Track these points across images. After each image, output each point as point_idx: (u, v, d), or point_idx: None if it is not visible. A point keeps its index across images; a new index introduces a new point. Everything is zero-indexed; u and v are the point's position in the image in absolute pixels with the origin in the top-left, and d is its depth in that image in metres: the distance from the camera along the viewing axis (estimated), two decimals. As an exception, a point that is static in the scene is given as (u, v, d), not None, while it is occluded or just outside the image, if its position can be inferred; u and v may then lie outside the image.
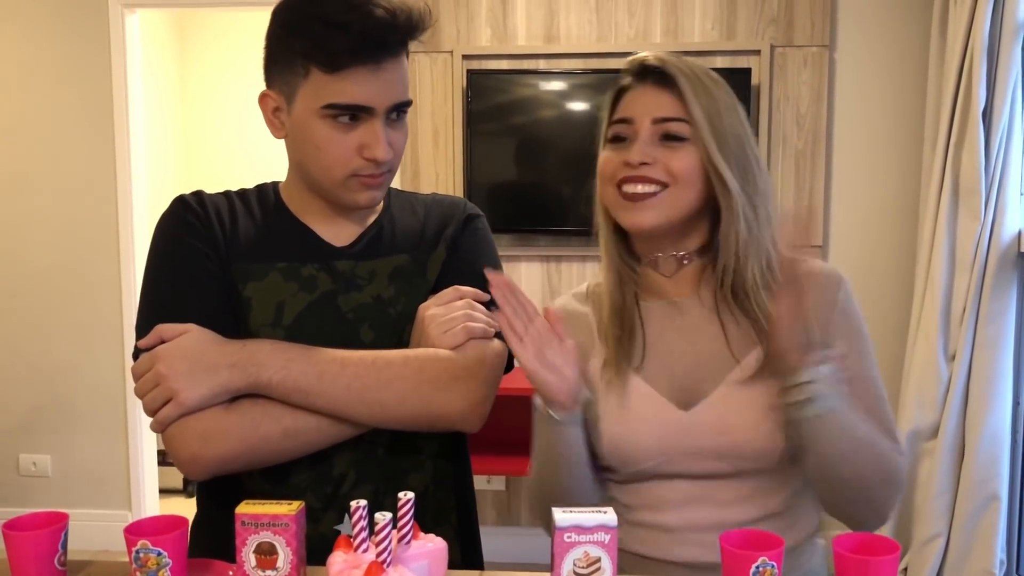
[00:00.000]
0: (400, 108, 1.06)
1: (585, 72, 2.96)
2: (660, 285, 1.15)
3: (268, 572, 0.89)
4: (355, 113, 1.02)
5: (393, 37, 1.02)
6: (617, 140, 1.11)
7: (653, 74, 1.09)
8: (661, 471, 1.10)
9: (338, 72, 1.00)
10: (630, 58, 1.12)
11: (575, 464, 1.09)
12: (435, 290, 1.12)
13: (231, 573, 0.93)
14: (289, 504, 0.90)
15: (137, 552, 0.85)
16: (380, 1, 1.01)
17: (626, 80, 1.12)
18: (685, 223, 1.10)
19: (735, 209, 1.06)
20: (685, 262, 1.13)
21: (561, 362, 1.02)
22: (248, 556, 0.88)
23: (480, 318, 1.08)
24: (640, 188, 1.07)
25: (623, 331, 1.12)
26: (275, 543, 0.88)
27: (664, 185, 1.07)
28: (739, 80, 2.88)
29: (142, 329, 1.05)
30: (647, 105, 1.08)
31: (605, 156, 1.12)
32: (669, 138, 1.07)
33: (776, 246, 1.08)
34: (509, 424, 2.20)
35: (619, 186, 1.09)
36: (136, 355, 1.05)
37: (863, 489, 1.04)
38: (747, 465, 1.07)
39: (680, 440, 1.07)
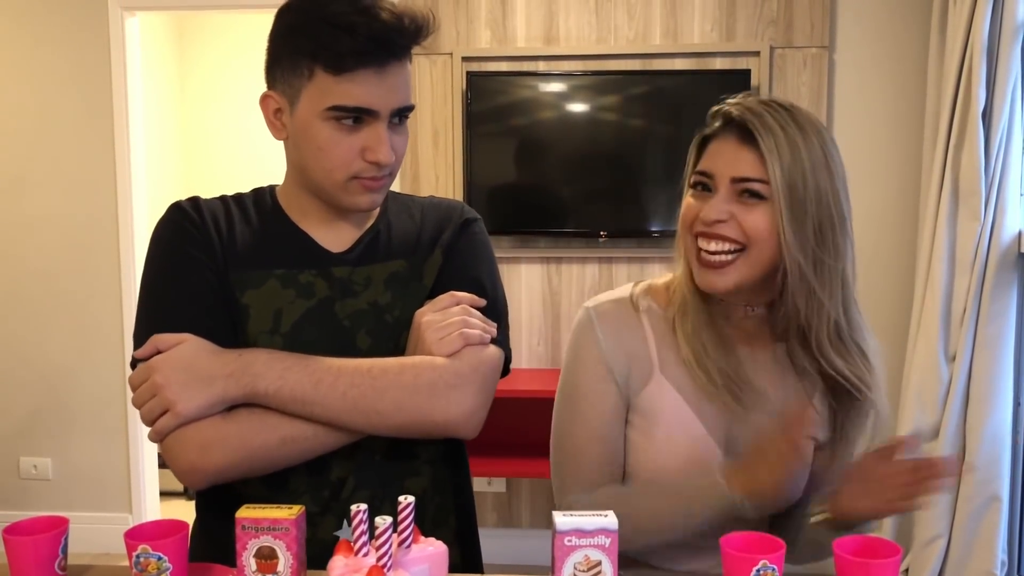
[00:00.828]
0: (403, 112, 1.06)
1: (585, 74, 2.96)
2: (731, 332, 1.15)
3: (268, 576, 0.88)
4: (359, 116, 1.02)
5: (399, 41, 1.02)
6: (699, 187, 1.10)
7: (737, 126, 1.06)
8: None
9: (343, 74, 1.00)
10: (716, 107, 1.10)
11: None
12: (432, 295, 1.12)
13: (232, 577, 0.93)
14: (289, 508, 0.90)
15: (137, 557, 0.85)
16: (386, 5, 1.02)
17: (711, 128, 1.10)
18: (765, 282, 1.09)
19: (790, 276, 1.05)
20: (750, 311, 1.13)
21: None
22: (248, 560, 0.88)
23: (476, 324, 1.08)
24: (714, 247, 1.06)
25: (733, 385, 1.11)
26: (275, 547, 0.88)
27: (739, 246, 1.06)
28: (738, 81, 2.88)
29: (139, 339, 1.05)
30: (728, 162, 1.07)
31: (687, 203, 1.11)
32: (748, 194, 1.06)
33: (849, 312, 1.09)
34: (509, 426, 2.19)
35: (696, 237, 1.08)
36: (134, 365, 1.05)
37: None
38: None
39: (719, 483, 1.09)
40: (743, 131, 1.06)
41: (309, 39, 1.01)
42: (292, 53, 1.04)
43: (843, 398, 1.13)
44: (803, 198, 1.03)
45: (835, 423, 1.14)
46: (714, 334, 1.12)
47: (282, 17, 1.05)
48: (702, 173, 1.09)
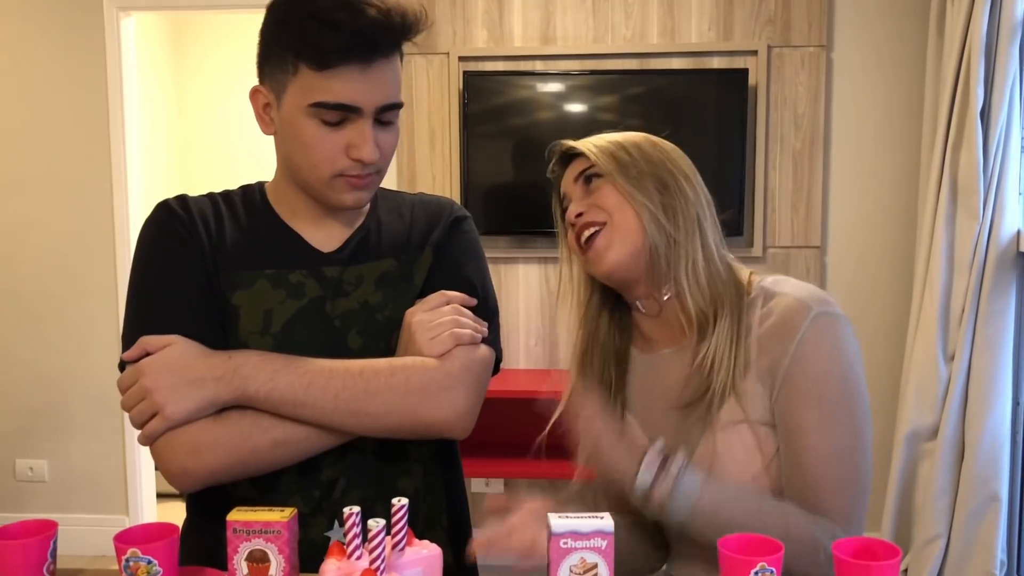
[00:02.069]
0: (390, 109, 1.04)
1: (582, 73, 2.95)
2: (648, 329, 1.17)
3: (260, 580, 0.87)
4: (343, 112, 1.01)
5: (385, 38, 1.01)
6: (567, 223, 1.17)
7: (569, 156, 1.17)
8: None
9: (326, 70, 0.99)
10: (549, 166, 1.20)
11: None
12: (422, 294, 1.11)
13: (223, 581, 0.92)
14: (281, 511, 0.89)
15: (127, 560, 0.84)
16: (374, 0, 1.00)
17: (556, 171, 1.20)
18: (649, 262, 1.10)
19: (646, 217, 1.09)
20: (666, 297, 1.13)
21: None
22: (240, 564, 0.87)
23: (467, 324, 1.07)
24: (586, 233, 1.11)
25: (614, 387, 1.17)
26: (267, 551, 0.87)
27: (602, 223, 1.11)
28: (736, 81, 2.88)
29: (127, 341, 1.04)
30: (569, 176, 1.17)
31: (566, 240, 1.18)
32: (589, 182, 1.13)
33: (708, 251, 1.10)
34: (507, 427, 2.18)
35: (577, 242, 1.13)
36: (122, 367, 1.04)
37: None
38: None
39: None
40: (573, 153, 1.16)
41: (294, 34, 1.01)
42: (278, 48, 1.03)
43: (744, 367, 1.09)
44: (630, 162, 1.10)
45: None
46: (601, 331, 1.18)
47: (271, 12, 1.05)
48: (561, 200, 1.19)
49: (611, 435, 1.05)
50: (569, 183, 1.16)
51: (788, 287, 1.07)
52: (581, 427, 1.06)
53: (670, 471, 1.01)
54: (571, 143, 1.17)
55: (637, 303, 1.15)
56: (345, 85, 1.00)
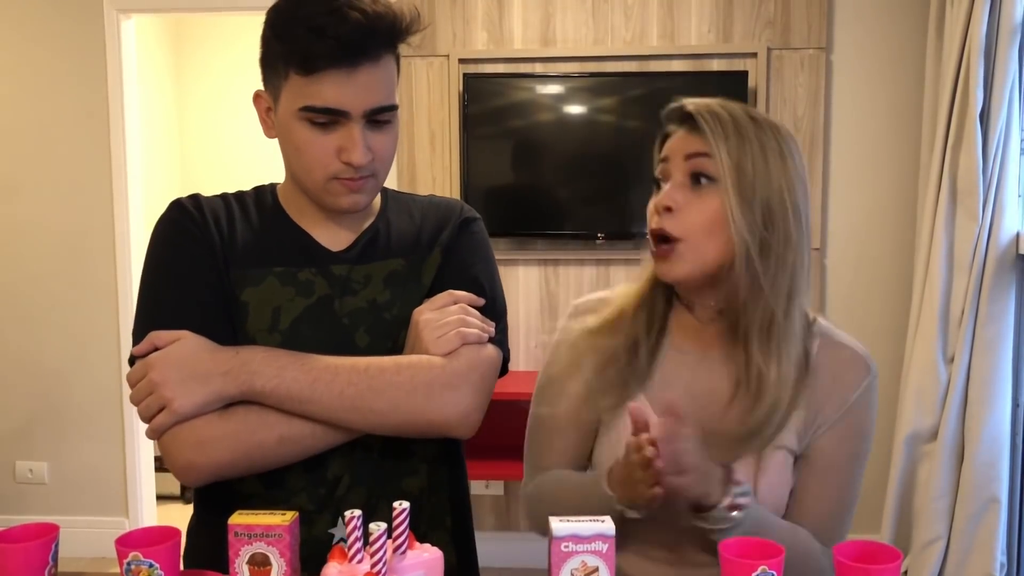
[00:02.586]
0: (381, 112, 1.04)
1: (582, 75, 2.95)
2: (694, 330, 1.13)
3: (262, 584, 0.88)
4: (331, 116, 1.02)
5: (370, 42, 1.01)
6: (657, 185, 1.11)
7: (690, 119, 1.08)
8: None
9: (312, 75, 1.00)
10: (669, 106, 1.12)
11: None
12: (430, 294, 1.12)
13: (224, 584, 0.92)
14: (283, 514, 0.89)
15: (128, 564, 0.84)
16: (360, 5, 1.01)
17: (669, 127, 1.12)
18: (723, 273, 1.06)
19: (740, 251, 1.03)
20: (720, 315, 1.11)
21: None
22: (241, 567, 0.87)
23: (474, 323, 1.08)
24: (662, 247, 1.07)
25: (639, 377, 1.12)
26: (268, 554, 0.87)
27: (675, 240, 1.05)
28: (736, 83, 2.88)
29: (138, 336, 1.05)
30: (680, 144, 1.08)
31: (651, 202, 1.11)
32: (700, 180, 1.05)
33: (790, 312, 1.05)
34: (507, 429, 2.19)
35: (653, 235, 1.09)
36: (132, 362, 1.05)
37: None
38: None
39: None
40: (693, 121, 1.07)
41: (284, 40, 1.02)
42: (272, 54, 1.05)
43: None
44: (752, 179, 1.03)
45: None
46: (641, 325, 1.13)
47: (267, 18, 1.06)
48: (662, 160, 1.10)
49: (704, 461, 0.99)
50: (678, 156, 1.07)
51: (847, 339, 1.12)
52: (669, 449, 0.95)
53: (744, 502, 1.00)
54: (696, 111, 1.06)
55: (691, 303, 1.13)
56: (331, 89, 1.01)
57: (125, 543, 0.86)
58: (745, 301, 1.05)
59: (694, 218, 1.05)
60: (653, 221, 1.08)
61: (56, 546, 0.90)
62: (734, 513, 0.99)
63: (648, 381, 1.12)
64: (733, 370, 1.09)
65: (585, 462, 1.19)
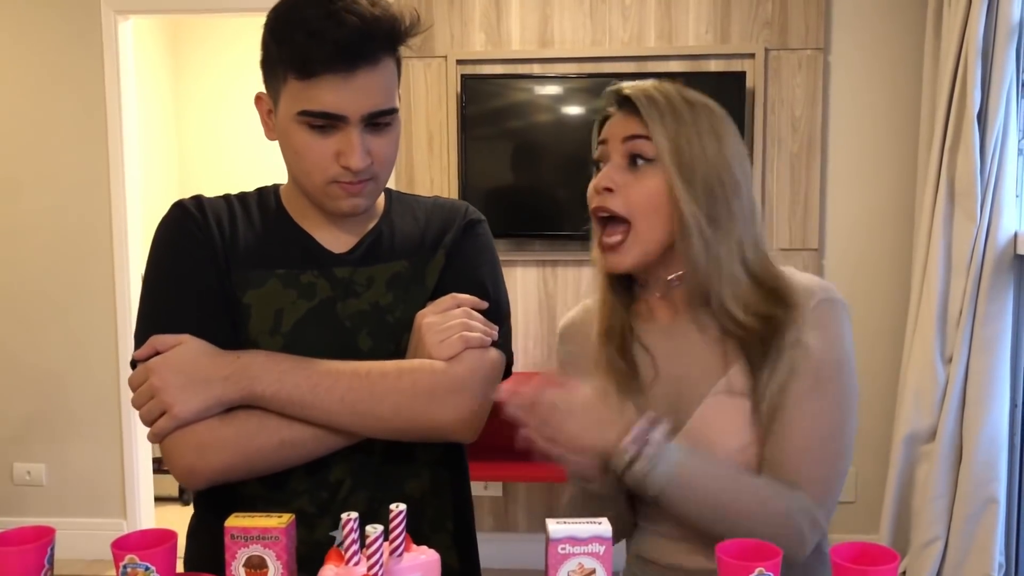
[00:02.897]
0: (379, 115, 1.04)
1: (580, 76, 2.96)
2: (652, 307, 1.15)
3: (258, 586, 0.87)
4: (329, 120, 1.02)
5: (367, 46, 1.01)
6: (597, 167, 1.12)
7: (627, 102, 1.10)
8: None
9: (309, 79, 1.00)
10: (607, 89, 1.14)
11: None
12: (434, 297, 1.11)
13: (221, 587, 0.92)
14: (279, 517, 0.89)
15: (124, 567, 0.84)
16: (357, 8, 1.00)
17: (607, 110, 1.13)
18: (668, 247, 1.08)
19: (688, 231, 1.05)
20: (674, 284, 1.12)
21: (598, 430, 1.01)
22: (238, 570, 0.87)
23: (477, 327, 1.07)
24: (608, 235, 1.08)
25: (624, 365, 1.12)
26: (265, 556, 0.87)
27: (626, 223, 1.07)
28: (734, 83, 2.88)
29: (139, 339, 1.05)
30: (618, 127, 1.10)
31: (590, 185, 1.13)
32: (637, 160, 1.07)
33: (756, 271, 1.07)
34: (506, 431, 2.18)
35: (594, 214, 1.10)
36: (134, 365, 1.05)
37: (751, 535, 0.94)
38: None
39: None
40: (631, 104, 1.09)
41: (281, 44, 1.02)
42: (271, 58, 1.05)
43: (756, 347, 1.06)
44: (690, 158, 1.05)
45: (759, 377, 1.07)
46: (611, 328, 1.14)
47: (266, 21, 1.06)
48: (600, 143, 1.12)
49: (598, 405, 1.02)
50: (616, 139, 1.09)
51: (797, 277, 1.10)
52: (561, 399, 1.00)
53: (653, 439, 0.99)
54: (633, 95, 1.08)
55: (646, 281, 1.13)
56: (329, 94, 1.00)
57: (121, 546, 0.86)
58: (706, 274, 1.06)
59: (635, 197, 1.06)
60: (594, 201, 1.09)
61: (52, 549, 0.90)
62: (632, 452, 0.98)
63: (640, 378, 1.13)
64: (717, 331, 1.09)
65: None
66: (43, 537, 0.89)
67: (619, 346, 1.13)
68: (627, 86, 1.10)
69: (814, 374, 1.04)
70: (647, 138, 1.06)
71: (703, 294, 1.09)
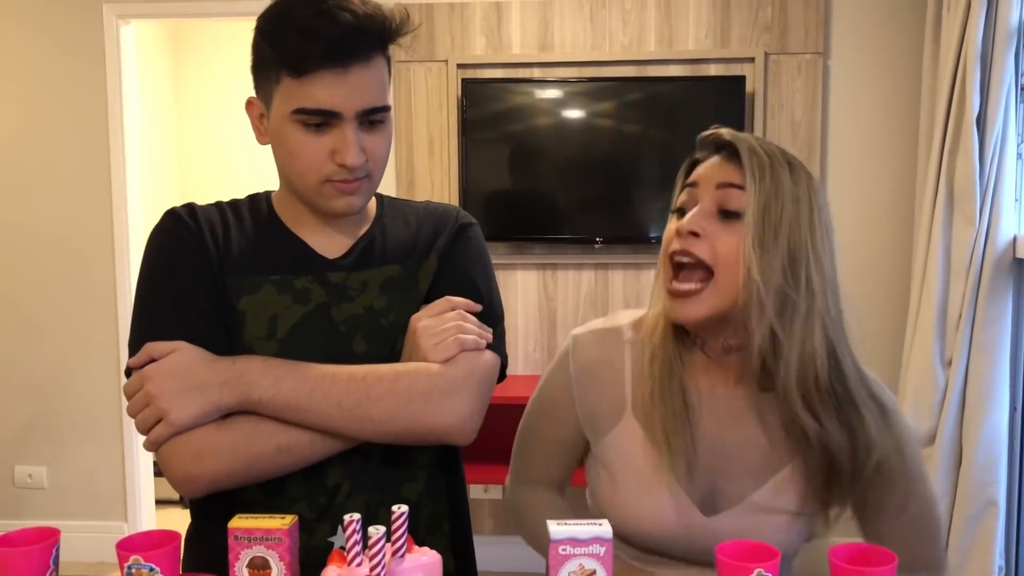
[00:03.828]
0: (373, 112, 1.04)
1: (580, 80, 2.97)
2: (704, 366, 1.10)
3: (261, 587, 0.88)
4: (324, 117, 1.02)
5: (361, 43, 1.01)
6: (681, 212, 1.06)
7: (726, 148, 1.05)
8: (667, 553, 1.09)
9: (304, 77, 1.00)
10: (704, 133, 1.09)
11: None
12: (428, 300, 1.12)
13: (224, 588, 0.92)
14: (282, 518, 0.90)
15: (129, 568, 0.85)
16: (350, 5, 1.01)
17: (701, 153, 1.09)
18: (732, 313, 1.03)
19: (754, 299, 0.99)
20: (732, 351, 1.07)
21: None
22: (241, 571, 0.88)
23: (472, 330, 1.08)
24: (684, 282, 1.03)
25: (675, 425, 1.07)
26: (268, 558, 0.88)
27: (708, 271, 1.02)
28: (733, 88, 2.89)
29: (134, 347, 1.05)
30: (713, 171, 1.05)
31: (668, 228, 1.08)
32: (727, 215, 1.02)
33: (839, 361, 1.02)
34: (505, 433, 2.19)
35: (672, 266, 1.05)
36: (128, 373, 1.05)
37: None
38: None
39: (696, 542, 1.06)
40: (731, 151, 1.05)
41: (275, 44, 1.02)
42: (263, 59, 1.05)
43: (818, 459, 1.03)
44: (776, 222, 0.99)
45: (822, 494, 1.04)
46: (669, 370, 1.08)
47: (257, 24, 1.06)
48: (689, 185, 1.07)
49: None
50: (710, 184, 1.04)
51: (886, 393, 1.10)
52: None
53: None
54: (736, 142, 1.02)
55: (703, 340, 1.09)
56: (323, 91, 1.00)
57: (126, 547, 0.86)
58: (764, 354, 1.01)
59: (722, 247, 1.01)
60: (676, 244, 1.04)
61: (57, 550, 0.90)
62: None
63: (690, 423, 1.08)
64: (762, 419, 1.06)
65: (566, 478, 1.23)
66: (48, 538, 0.89)
67: (675, 409, 1.07)
68: (728, 132, 1.05)
69: (906, 477, 1.06)
70: (741, 188, 1.01)
71: (763, 373, 1.03)
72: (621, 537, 1.11)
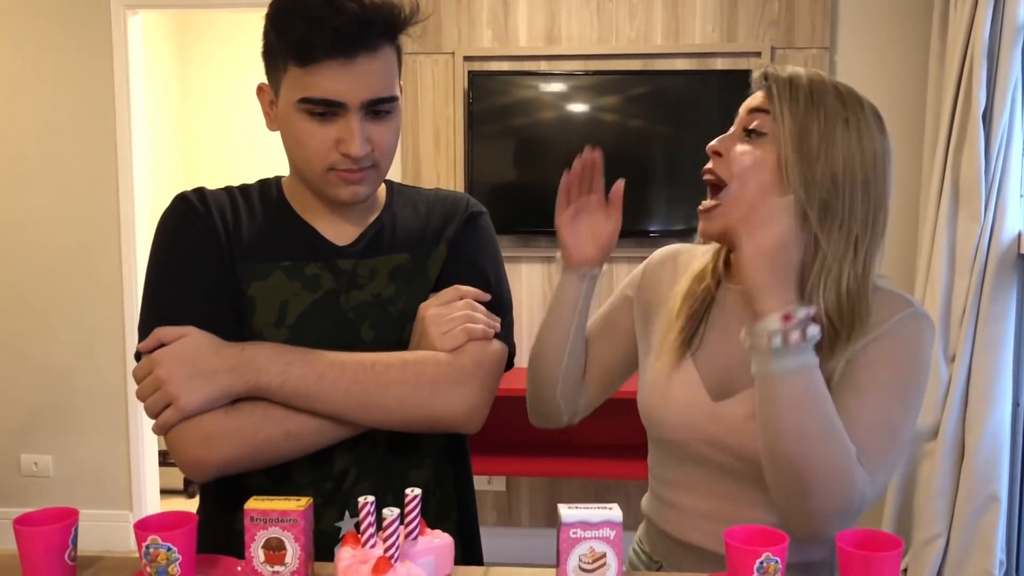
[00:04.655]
0: (380, 103, 1.05)
1: (586, 74, 2.97)
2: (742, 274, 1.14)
3: (277, 567, 0.89)
4: (329, 107, 1.02)
5: (367, 32, 1.01)
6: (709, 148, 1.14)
7: (768, 81, 1.11)
8: (685, 450, 1.12)
9: (309, 66, 1.01)
10: (755, 72, 1.15)
11: (569, 325, 1.19)
12: (436, 289, 1.12)
13: (240, 568, 0.94)
14: (298, 500, 0.91)
15: (147, 547, 0.86)
16: None
17: (750, 91, 1.15)
18: None
19: (799, 215, 1.01)
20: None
21: (590, 235, 1.19)
22: (257, 551, 0.89)
23: (480, 319, 1.08)
24: (704, 204, 1.10)
25: (692, 316, 1.15)
26: (284, 539, 0.89)
27: (721, 186, 1.08)
28: (739, 82, 2.88)
29: (143, 331, 1.05)
30: (750, 100, 1.12)
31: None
32: (749, 134, 1.08)
33: (860, 282, 1.04)
34: (510, 425, 2.20)
35: (704, 179, 1.12)
36: (138, 357, 1.05)
37: (803, 485, 0.97)
38: (759, 470, 1.04)
39: (704, 428, 1.09)
40: (767, 82, 1.10)
41: (281, 33, 1.03)
42: (271, 48, 1.05)
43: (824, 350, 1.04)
44: (815, 143, 1.03)
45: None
46: (704, 273, 1.17)
47: (267, 12, 1.07)
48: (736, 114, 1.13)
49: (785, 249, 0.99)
50: (744, 111, 1.11)
51: (893, 288, 1.10)
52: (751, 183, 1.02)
53: (808, 331, 0.96)
54: (770, 71, 1.09)
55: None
56: (328, 80, 1.01)
57: (144, 527, 0.87)
58: (805, 263, 1.04)
59: (750, 175, 1.05)
60: (706, 166, 1.12)
61: (76, 530, 0.92)
62: (794, 336, 0.95)
63: (703, 333, 1.15)
64: None
65: (598, 372, 1.26)
66: (67, 518, 0.91)
67: (697, 304, 1.15)
68: (770, 67, 1.11)
69: (884, 370, 1.03)
70: (767, 112, 1.07)
71: (804, 292, 1.05)
72: (648, 429, 1.18)
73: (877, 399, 1.03)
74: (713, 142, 1.11)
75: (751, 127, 1.08)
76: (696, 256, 1.22)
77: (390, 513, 0.83)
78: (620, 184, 1.19)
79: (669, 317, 1.18)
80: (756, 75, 1.13)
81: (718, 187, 1.09)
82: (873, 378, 1.03)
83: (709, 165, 1.11)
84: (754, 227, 0.99)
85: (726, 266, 1.18)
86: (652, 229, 2.93)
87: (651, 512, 1.21)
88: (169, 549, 0.86)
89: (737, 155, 1.06)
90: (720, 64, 2.96)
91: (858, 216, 1.05)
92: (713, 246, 1.20)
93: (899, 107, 2.95)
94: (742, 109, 1.12)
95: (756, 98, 1.10)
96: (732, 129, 1.11)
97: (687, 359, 1.14)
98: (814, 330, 0.97)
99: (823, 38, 2.92)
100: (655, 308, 1.22)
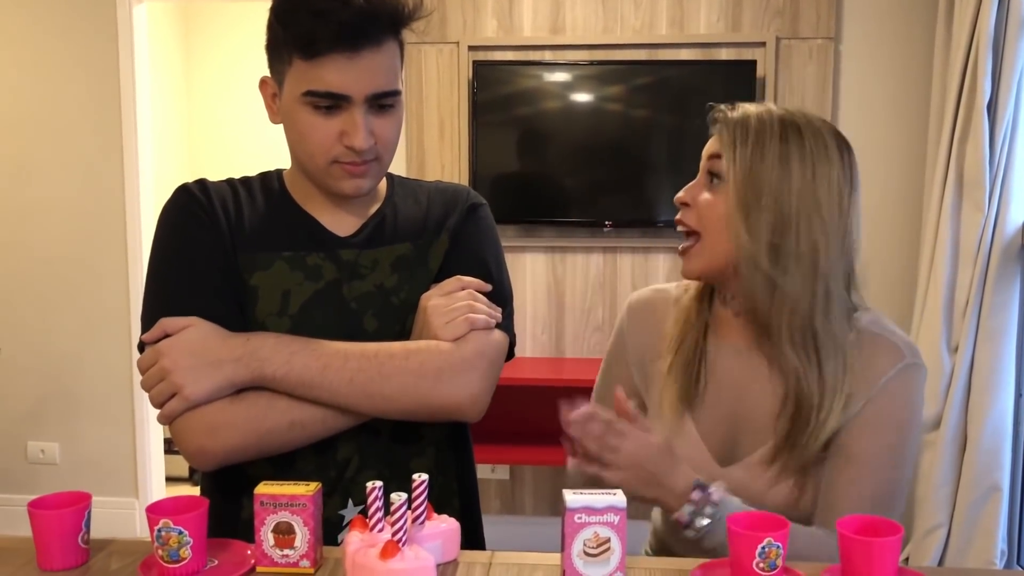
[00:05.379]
0: (383, 96, 1.05)
1: (591, 63, 2.97)
2: (729, 323, 1.16)
3: (286, 551, 0.91)
4: (333, 100, 1.03)
5: (372, 26, 1.02)
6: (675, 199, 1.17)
7: (718, 124, 1.14)
8: None
9: (314, 59, 1.01)
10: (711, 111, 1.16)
11: None
12: (438, 279, 1.13)
13: (250, 552, 0.95)
14: (307, 485, 0.92)
15: (159, 530, 0.87)
16: None
17: (711, 129, 1.16)
18: (735, 271, 1.10)
19: (745, 260, 1.06)
20: (732, 304, 1.15)
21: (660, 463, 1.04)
22: (266, 535, 0.90)
23: (482, 309, 1.09)
24: (681, 245, 1.14)
25: (688, 373, 1.16)
26: (293, 523, 0.90)
27: (698, 235, 1.11)
28: (744, 72, 2.89)
29: (147, 322, 1.06)
30: (709, 144, 1.14)
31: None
32: (712, 181, 1.11)
33: (829, 310, 1.06)
34: (513, 414, 2.22)
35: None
36: (142, 348, 1.06)
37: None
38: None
39: None
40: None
41: (287, 26, 1.03)
42: (276, 40, 1.06)
43: (810, 400, 1.07)
44: (759, 185, 1.06)
45: (786, 432, 1.08)
46: (688, 319, 1.18)
47: (272, 4, 1.07)
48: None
49: (665, 453, 1.03)
50: (704, 156, 1.13)
51: (885, 329, 1.10)
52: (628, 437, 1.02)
53: (714, 498, 1.01)
54: (719, 116, 1.11)
55: (724, 296, 1.16)
56: (333, 73, 1.01)
57: (156, 511, 0.89)
58: (767, 305, 1.07)
59: (705, 212, 1.10)
60: (677, 216, 1.15)
61: (89, 514, 0.93)
62: (688, 531, 1.01)
63: (703, 388, 1.16)
64: (776, 373, 1.10)
65: None
66: (81, 501, 0.92)
67: (688, 358, 1.16)
68: (721, 107, 1.12)
69: (885, 435, 1.05)
70: (720, 157, 1.10)
71: (765, 327, 1.09)
72: None
73: (877, 467, 1.05)
74: (680, 193, 1.14)
75: (715, 172, 1.11)
76: (670, 300, 1.23)
77: (398, 498, 0.84)
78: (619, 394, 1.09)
79: (663, 375, 1.19)
80: (709, 116, 1.14)
81: (690, 232, 1.13)
82: (871, 446, 1.05)
83: (679, 216, 1.14)
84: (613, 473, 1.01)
85: (710, 302, 1.19)
86: (657, 219, 2.94)
87: (663, 534, 1.23)
88: (180, 532, 0.87)
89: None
90: (725, 54, 2.96)
91: (820, 248, 1.06)
92: (689, 284, 1.21)
93: (904, 97, 2.95)
94: (703, 153, 1.14)
95: (713, 143, 1.12)
96: (698, 176, 1.14)
97: (687, 419, 1.15)
98: (716, 489, 1.01)
99: (828, 28, 2.91)
100: (650, 359, 1.22)
